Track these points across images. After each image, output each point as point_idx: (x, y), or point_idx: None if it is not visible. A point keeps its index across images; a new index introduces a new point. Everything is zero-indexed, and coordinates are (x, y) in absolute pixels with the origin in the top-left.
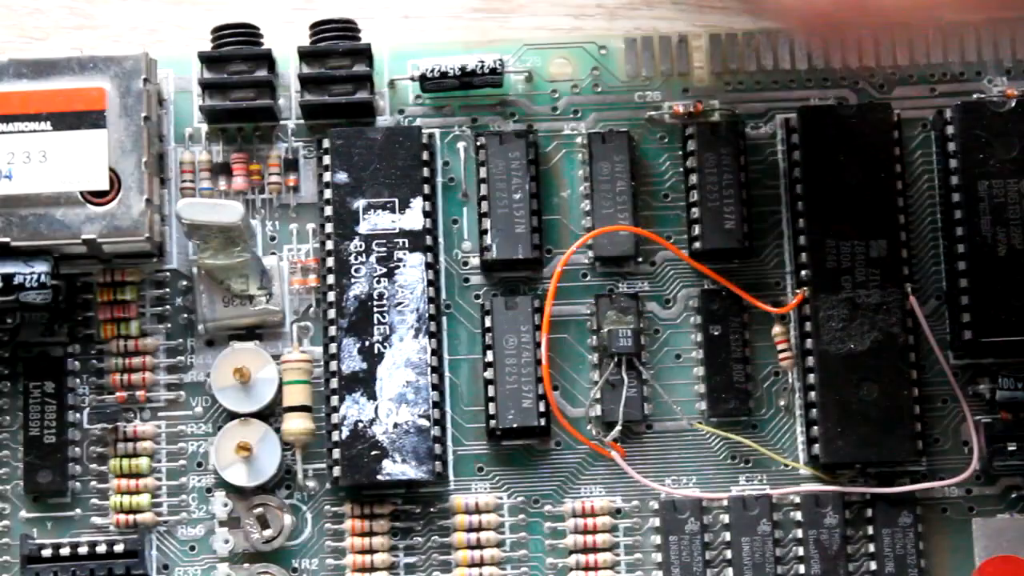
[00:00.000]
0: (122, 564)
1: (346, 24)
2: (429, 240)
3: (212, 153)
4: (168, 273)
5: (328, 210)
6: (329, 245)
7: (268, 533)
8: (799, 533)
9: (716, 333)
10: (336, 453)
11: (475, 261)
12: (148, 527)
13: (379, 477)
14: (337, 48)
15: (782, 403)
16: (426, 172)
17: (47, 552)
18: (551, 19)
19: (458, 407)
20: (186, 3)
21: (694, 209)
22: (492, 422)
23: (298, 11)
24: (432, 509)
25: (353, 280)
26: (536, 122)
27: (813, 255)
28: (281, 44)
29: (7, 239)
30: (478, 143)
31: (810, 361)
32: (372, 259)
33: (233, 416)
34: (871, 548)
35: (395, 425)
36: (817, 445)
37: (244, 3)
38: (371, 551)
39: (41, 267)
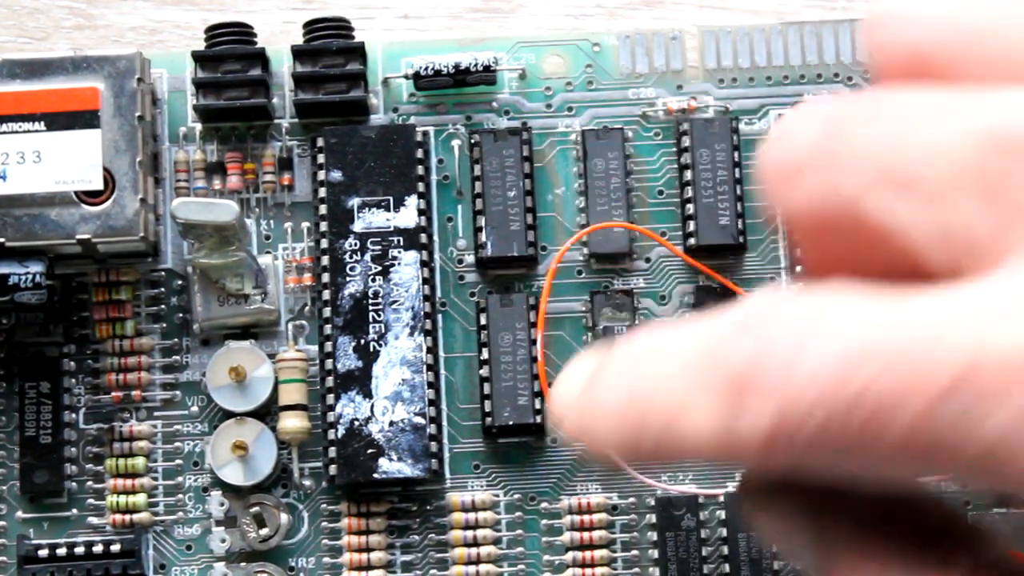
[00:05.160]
0: (119, 564)
1: (340, 23)
2: (424, 238)
3: (206, 152)
4: (163, 273)
5: (323, 208)
6: (324, 244)
7: (265, 532)
8: None
9: None
10: (332, 451)
11: (470, 259)
12: (145, 527)
13: (375, 475)
14: (330, 46)
15: None
16: (420, 170)
17: (43, 552)
18: (551, 19)
19: (454, 405)
20: (186, 3)
21: (688, 205)
22: (488, 420)
23: (298, 11)
24: (428, 507)
25: (348, 278)
26: (530, 119)
27: None
28: (279, 44)
29: (1, 239)
30: (472, 141)
31: None
32: (367, 257)
33: (229, 415)
34: None
35: (391, 423)
36: None
37: (244, 4)
38: (368, 549)
39: (36, 267)
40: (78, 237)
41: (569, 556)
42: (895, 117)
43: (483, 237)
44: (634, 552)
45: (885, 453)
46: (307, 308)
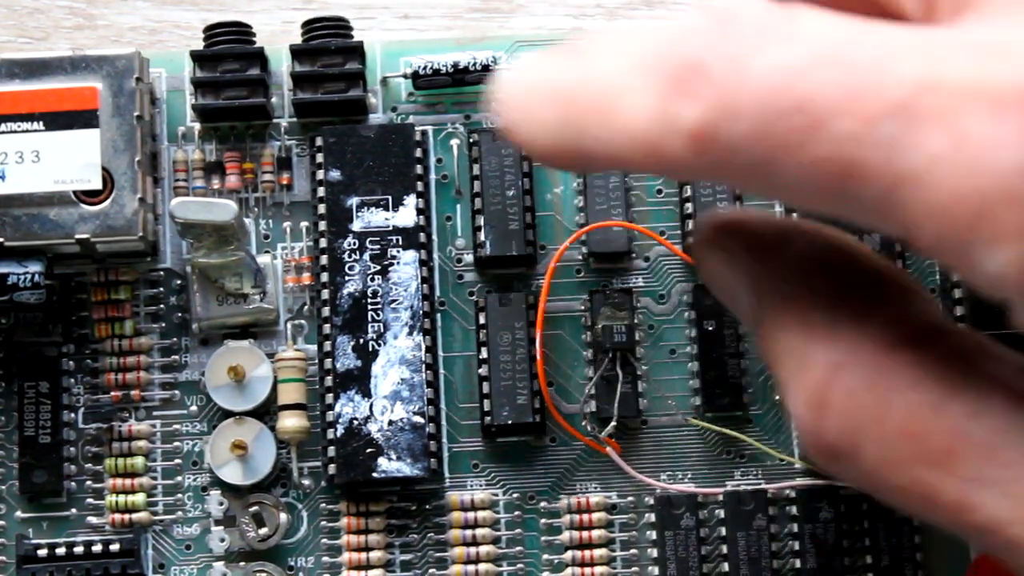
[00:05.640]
0: (118, 563)
1: (338, 22)
2: (423, 237)
3: (205, 152)
4: (162, 272)
5: (321, 208)
6: (323, 243)
7: (264, 531)
8: (795, 527)
9: (710, 328)
10: (331, 451)
11: (469, 258)
12: (144, 526)
13: (374, 475)
14: (329, 46)
15: (777, 398)
16: (419, 169)
17: (43, 552)
18: (551, 19)
19: (453, 404)
20: (186, 3)
21: (687, 204)
22: (487, 419)
23: (298, 11)
24: (428, 506)
25: (347, 278)
26: None
27: None
28: (279, 44)
29: (0, 239)
30: (471, 140)
31: None
32: (366, 256)
33: (228, 415)
34: (867, 542)
35: (390, 422)
36: None
37: (244, 4)
38: (367, 548)
39: (35, 267)
40: (77, 237)
41: (568, 555)
42: None
43: (482, 236)
44: (633, 551)
45: (804, 168)
46: (306, 307)
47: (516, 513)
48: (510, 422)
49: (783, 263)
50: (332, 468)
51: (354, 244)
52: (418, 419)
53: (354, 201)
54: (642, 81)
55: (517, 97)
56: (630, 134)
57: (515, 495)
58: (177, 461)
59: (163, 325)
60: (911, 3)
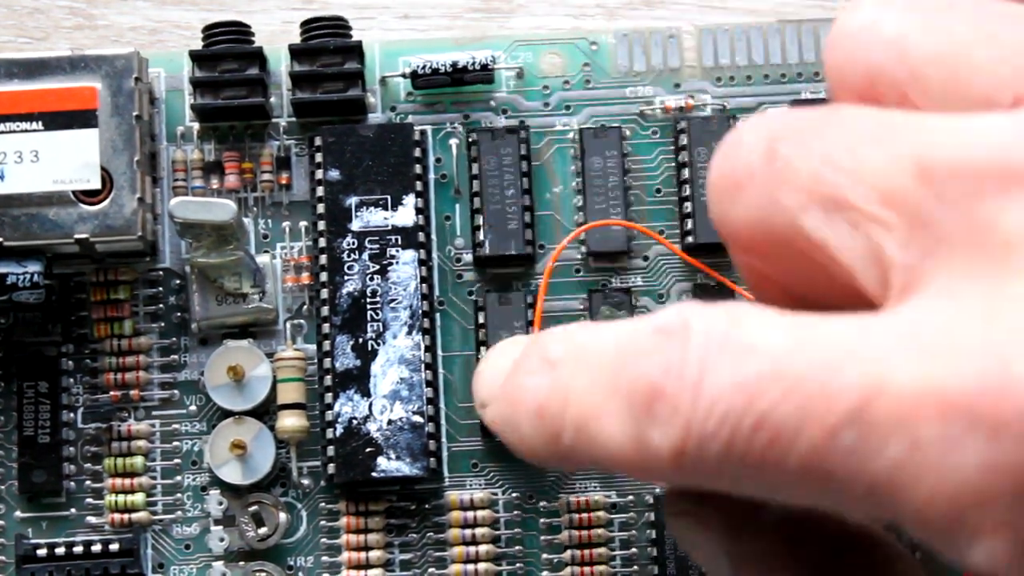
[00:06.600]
0: (117, 563)
1: (337, 22)
2: (422, 237)
3: (204, 152)
4: (161, 272)
5: (320, 208)
6: (322, 242)
7: (263, 531)
8: None
9: None
10: (331, 450)
11: (468, 257)
12: (143, 526)
13: (374, 474)
14: (328, 46)
15: None
16: (418, 169)
17: (42, 552)
18: (551, 19)
19: (452, 403)
20: (186, 3)
21: (686, 203)
22: None
23: (298, 11)
24: (427, 506)
25: (346, 277)
26: (528, 118)
27: None
28: (279, 44)
29: (0, 239)
30: (470, 139)
31: None
32: (365, 256)
33: (227, 414)
34: None
35: (389, 422)
36: None
37: (244, 4)
38: (366, 548)
39: (34, 267)
40: (76, 236)
41: (568, 554)
42: (835, 138)
43: (481, 236)
44: (633, 550)
45: (785, 479)
46: (305, 307)
47: (515, 512)
48: None
49: (760, 530)
50: (331, 468)
51: (353, 244)
52: (417, 418)
53: (353, 201)
54: (610, 405)
55: (498, 407)
56: (612, 455)
57: (514, 494)
58: (176, 461)
59: (162, 325)
60: (871, 284)
